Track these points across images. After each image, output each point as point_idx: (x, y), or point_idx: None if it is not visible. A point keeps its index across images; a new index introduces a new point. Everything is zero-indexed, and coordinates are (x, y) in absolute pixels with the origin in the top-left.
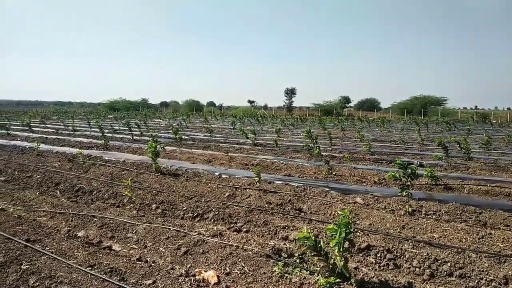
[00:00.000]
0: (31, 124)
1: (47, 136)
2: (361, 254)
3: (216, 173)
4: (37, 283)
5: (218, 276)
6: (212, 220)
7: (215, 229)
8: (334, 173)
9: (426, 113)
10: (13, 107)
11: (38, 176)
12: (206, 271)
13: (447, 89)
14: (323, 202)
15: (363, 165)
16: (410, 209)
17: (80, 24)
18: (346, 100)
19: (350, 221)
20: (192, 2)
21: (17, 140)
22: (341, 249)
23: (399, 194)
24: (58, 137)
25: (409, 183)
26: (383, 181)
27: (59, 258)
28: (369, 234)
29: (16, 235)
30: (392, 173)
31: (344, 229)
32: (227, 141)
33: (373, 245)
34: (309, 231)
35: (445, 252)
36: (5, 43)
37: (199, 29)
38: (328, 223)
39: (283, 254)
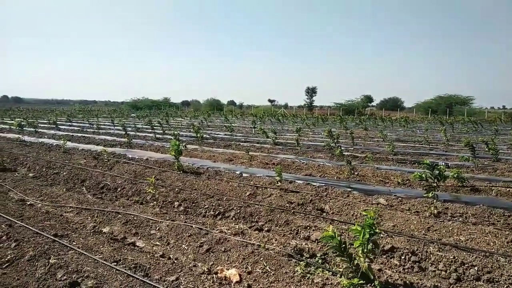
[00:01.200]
0: (58, 122)
1: (73, 134)
2: (384, 256)
3: (237, 172)
4: (65, 277)
5: (240, 275)
6: (234, 218)
7: (237, 227)
8: (356, 173)
9: (451, 113)
10: (41, 106)
11: (64, 173)
12: (228, 269)
13: (473, 88)
14: (345, 202)
15: (386, 165)
16: (435, 211)
17: (102, 25)
18: (368, 99)
19: (375, 222)
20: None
21: (45, 137)
22: (365, 251)
23: (424, 195)
24: (84, 135)
25: (435, 184)
26: (407, 182)
27: (85, 253)
28: (393, 236)
29: (44, 230)
30: (418, 174)
31: (368, 230)
32: (247, 140)
33: (397, 247)
34: (334, 231)
35: (472, 256)
36: (33, 44)
37: (219, 28)
38: (350, 223)
39: (305, 254)
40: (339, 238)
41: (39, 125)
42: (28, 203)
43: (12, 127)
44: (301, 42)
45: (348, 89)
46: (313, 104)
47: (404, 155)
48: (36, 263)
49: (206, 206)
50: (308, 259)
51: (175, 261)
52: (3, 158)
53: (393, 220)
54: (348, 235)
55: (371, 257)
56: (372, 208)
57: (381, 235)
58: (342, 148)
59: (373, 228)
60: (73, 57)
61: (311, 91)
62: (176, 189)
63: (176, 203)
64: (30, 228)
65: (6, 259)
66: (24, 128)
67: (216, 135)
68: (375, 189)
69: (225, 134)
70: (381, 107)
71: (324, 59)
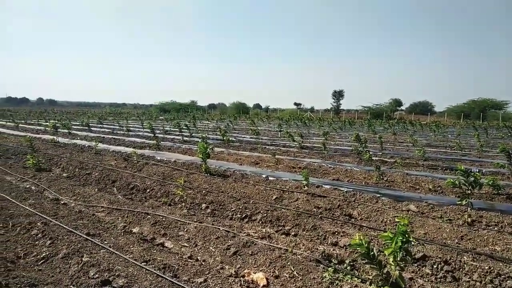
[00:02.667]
0: (90, 124)
1: (104, 135)
2: (416, 265)
3: (263, 175)
4: (97, 275)
5: (267, 279)
6: (260, 222)
7: (264, 231)
8: (385, 178)
9: (485, 117)
10: (73, 108)
11: (96, 174)
12: (255, 273)
13: (509, 92)
14: (374, 208)
15: (416, 171)
16: (469, 219)
17: (131, 30)
18: (397, 103)
19: (408, 230)
20: (237, 4)
21: (77, 139)
22: (396, 259)
23: (458, 203)
24: (114, 137)
25: (469, 191)
26: (439, 188)
27: (116, 252)
28: (425, 244)
29: (77, 228)
30: (451, 180)
31: (401, 238)
32: (273, 143)
33: (429, 255)
34: (362, 238)
35: (509, 267)
36: (66, 49)
37: (245, 31)
38: (379, 230)
39: (333, 260)
40: (367, 245)
41: (72, 127)
42: (62, 202)
43: (47, 128)
44: (328, 44)
45: (376, 93)
46: (340, 108)
47: (435, 160)
48: (70, 261)
49: (232, 209)
50: (337, 265)
51: (203, 263)
52: (39, 158)
53: (424, 228)
54: (378, 241)
55: (402, 265)
56: (401, 215)
57: (412, 243)
58: (370, 153)
59: (406, 235)
60: (103, 62)
61: (338, 95)
62: (203, 191)
63: (204, 205)
64: (64, 226)
65: (42, 256)
66: (58, 130)
67: (242, 138)
68: (405, 195)
69: (251, 137)
70: (410, 111)
71: (353, 61)
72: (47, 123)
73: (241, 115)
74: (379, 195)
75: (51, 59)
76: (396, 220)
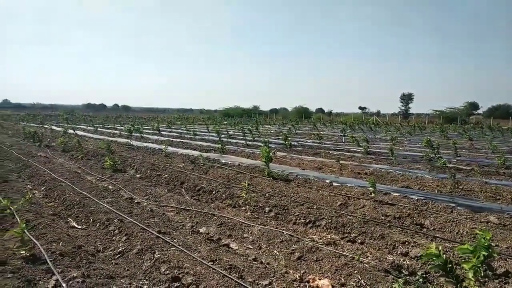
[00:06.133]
0: (160, 128)
1: (172, 139)
2: (497, 281)
3: (327, 181)
4: (167, 271)
5: (332, 286)
6: (325, 228)
7: (329, 237)
8: (460, 187)
9: None
10: (145, 113)
11: (166, 175)
12: (320, 279)
13: None
14: (448, 218)
15: (496, 180)
16: None
17: (195, 36)
18: (473, 106)
19: (491, 244)
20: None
21: (149, 142)
22: (478, 274)
23: None
24: (182, 140)
25: None
26: None
27: (185, 250)
28: (507, 259)
29: (149, 226)
30: None
31: (484, 252)
32: (337, 148)
33: None
34: (438, 248)
35: None
36: (138, 58)
37: (303, 35)
38: (455, 242)
39: (403, 271)
40: (444, 256)
41: (144, 131)
42: (136, 201)
43: (122, 132)
44: (396, 44)
45: (449, 96)
46: (408, 112)
47: None
48: (143, 257)
49: (296, 214)
50: (407, 277)
51: (267, 266)
52: (115, 160)
53: (506, 241)
54: (453, 254)
55: (483, 281)
56: (481, 227)
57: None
58: (444, 160)
59: (490, 250)
60: (172, 70)
61: (407, 98)
62: (267, 194)
63: (267, 209)
64: (138, 224)
65: (118, 251)
66: (132, 134)
67: (304, 143)
68: (483, 205)
69: (314, 142)
70: (489, 115)
71: (423, 61)
72: (122, 127)
73: (303, 120)
74: (454, 205)
75: (125, 68)
76: (477, 232)
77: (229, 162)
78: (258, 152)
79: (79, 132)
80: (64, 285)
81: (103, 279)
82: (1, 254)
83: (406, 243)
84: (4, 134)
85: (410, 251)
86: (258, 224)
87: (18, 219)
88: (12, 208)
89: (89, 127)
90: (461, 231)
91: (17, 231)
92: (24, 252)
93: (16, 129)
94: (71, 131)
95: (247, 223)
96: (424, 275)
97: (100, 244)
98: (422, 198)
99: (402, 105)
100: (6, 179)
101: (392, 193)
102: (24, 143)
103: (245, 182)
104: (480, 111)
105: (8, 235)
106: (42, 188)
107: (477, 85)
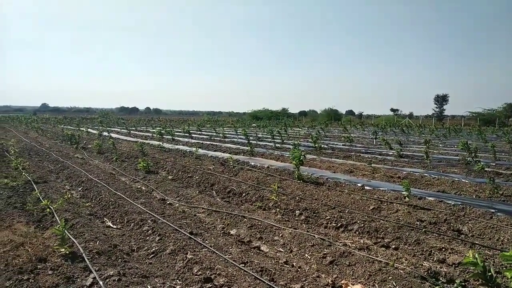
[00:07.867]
0: (190, 131)
1: (202, 142)
2: None
3: (359, 184)
4: (200, 272)
5: None
6: (357, 232)
7: (361, 242)
8: (501, 192)
9: None
10: (175, 116)
11: (197, 177)
12: (353, 284)
13: None
14: (488, 225)
15: None
16: None
17: (224, 42)
18: None
19: None
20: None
21: (180, 144)
22: None
23: None
24: (211, 143)
25: None
26: None
27: (216, 252)
28: None
29: (181, 227)
30: None
31: None
32: (368, 151)
33: None
34: (476, 256)
35: None
36: (173, 64)
37: (334, 36)
38: (495, 249)
39: (440, 279)
40: (483, 264)
41: (175, 133)
42: (168, 202)
43: (154, 135)
44: (429, 44)
45: (487, 97)
46: (443, 114)
47: None
48: (176, 257)
49: (327, 217)
50: (445, 284)
51: (299, 270)
52: (148, 162)
53: None
54: (494, 262)
55: None
56: None
57: None
58: (482, 163)
59: None
60: (202, 75)
61: (441, 99)
62: (297, 197)
63: (297, 212)
64: (170, 224)
65: (152, 251)
66: (163, 136)
67: (334, 146)
68: None
69: (344, 145)
70: None
71: (458, 61)
72: (154, 130)
73: (333, 122)
74: (493, 210)
75: (156, 73)
76: None
77: (258, 165)
78: (287, 155)
79: (113, 135)
80: (101, 283)
81: (137, 278)
82: (42, 252)
83: (443, 249)
84: (43, 136)
85: (448, 258)
86: (289, 227)
87: (58, 218)
88: (51, 208)
89: (122, 130)
90: (502, 238)
91: (57, 230)
92: (63, 250)
93: (54, 132)
94: (105, 133)
95: (278, 226)
96: (463, 283)
97: (134, 244)
98: (459, 203)
99: (436, 107)
100: (46, 179)
101: (427, 197)
102: (62, 145)
103: (274, 185)
104: None
105: (49, 233)
106: (79, 189)
107: None
